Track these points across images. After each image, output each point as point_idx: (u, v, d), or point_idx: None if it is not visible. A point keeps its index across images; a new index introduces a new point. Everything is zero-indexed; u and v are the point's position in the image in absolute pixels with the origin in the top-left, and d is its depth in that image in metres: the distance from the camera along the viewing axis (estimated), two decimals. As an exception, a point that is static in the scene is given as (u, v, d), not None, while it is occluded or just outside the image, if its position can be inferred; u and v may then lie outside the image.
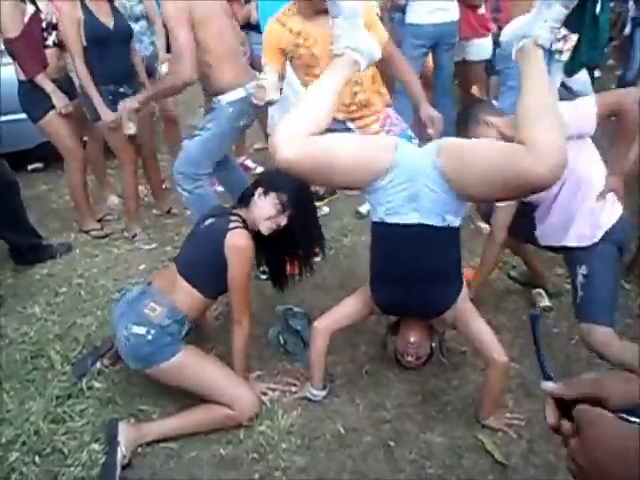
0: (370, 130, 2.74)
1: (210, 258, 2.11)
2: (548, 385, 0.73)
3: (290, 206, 2.13)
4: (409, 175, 1.79)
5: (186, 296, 2.14)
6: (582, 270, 2.20)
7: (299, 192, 2.14)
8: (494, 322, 2.58)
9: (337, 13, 1.78)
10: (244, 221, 2.14)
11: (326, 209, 3.79)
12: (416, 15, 3.96)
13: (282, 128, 1.70)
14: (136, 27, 3.72)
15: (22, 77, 3.26)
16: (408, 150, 1.87)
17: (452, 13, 3.97)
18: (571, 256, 2.29)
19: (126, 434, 2.01)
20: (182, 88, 2.75)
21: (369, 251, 2.05)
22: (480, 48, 4.35)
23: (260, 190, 2.15)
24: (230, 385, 2.11)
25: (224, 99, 2.79)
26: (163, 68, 3.80)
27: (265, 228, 2.14)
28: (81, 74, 3.12)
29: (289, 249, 2.31)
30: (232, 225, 2.10)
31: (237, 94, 2.79)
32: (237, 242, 2.07)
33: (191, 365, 2.10)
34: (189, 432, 2.10)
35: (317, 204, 3.79)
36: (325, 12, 2.17)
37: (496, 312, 2.74)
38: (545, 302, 2.78)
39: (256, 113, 2.98)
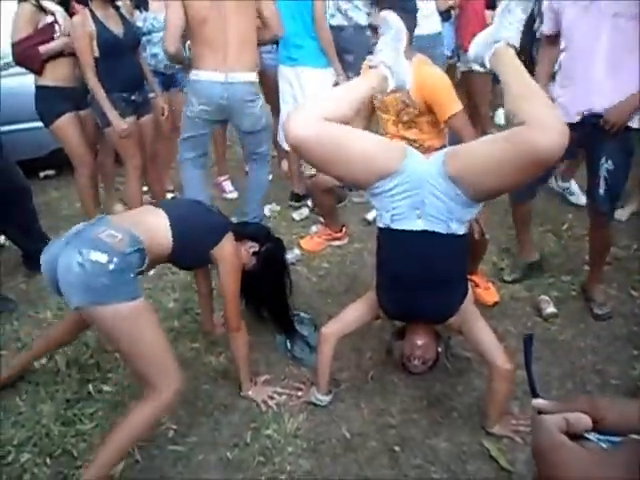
0: None
1: (200, 236, 2.08)
2: (539, 402, 0.70)
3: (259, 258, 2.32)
4: (415, 182, 1.82)
5: (155, 235, 1.93)
6: (608, 165, 2.47)
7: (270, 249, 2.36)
8: (500, 328, 2.60)
9: (386, 31, 1.87)
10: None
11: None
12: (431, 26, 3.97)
13: (300, 108, 1.77)
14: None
15: (38, 82, 3.34)
16: (417, 158, 1.89)
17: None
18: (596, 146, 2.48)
19: None
20: (169, 58, 3.04)
21: (375, 257, 2.08)
22: None
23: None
24: (164, 356, 1.85)
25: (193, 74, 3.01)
26: None
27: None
28: (92, 84, 3.18)
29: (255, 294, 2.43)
30: (231, 236, 2.16)
31: (208, 75, 2.96)
32: (231, 246, 2.13)
33: (142, 321, 1.79)
34: (128, 446, 1.85)
35: (296, 205, 3.90)
36: None
37: (502, 318, 2.76)
38: (551, 309, 2.78)
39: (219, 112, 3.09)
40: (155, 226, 1.96)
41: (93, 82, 3.18)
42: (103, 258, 1.71)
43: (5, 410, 2.26)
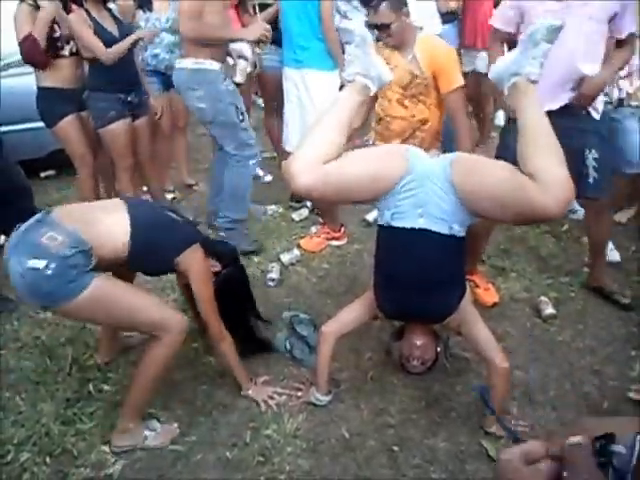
0: None
1: (162, 243, 2.02)
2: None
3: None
4: (420, 181, 1.83)
5: (108, 237, 1.89)
6: (593, 154, 2.54)
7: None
8: (498, 329, 2.61)
9: (349, 40, 1.86)
10: None
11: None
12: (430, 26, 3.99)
13: (296, 157, 1.78)
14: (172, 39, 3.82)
15: (40, 83, 3.34)
16: (421, 158, 1.91)
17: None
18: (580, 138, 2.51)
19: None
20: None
21: (374, 256, 2.09)
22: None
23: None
24: (152, 306, 1.95)
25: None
26: None
27: None
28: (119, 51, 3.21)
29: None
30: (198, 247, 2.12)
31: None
32: (197, 257, 2.09)
33: (106, 297, 1.83)
34: (151, 387, 2.03)
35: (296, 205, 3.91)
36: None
37: (501, 319, 2.77)
38: (549, 310, 2.79)
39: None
40: (110, 228, 1.91)
41: (111, 53, 3.18)
42: (41, 264, 1.73)
43: (5, 409, 2.27)
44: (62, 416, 2.23)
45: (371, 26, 2.66)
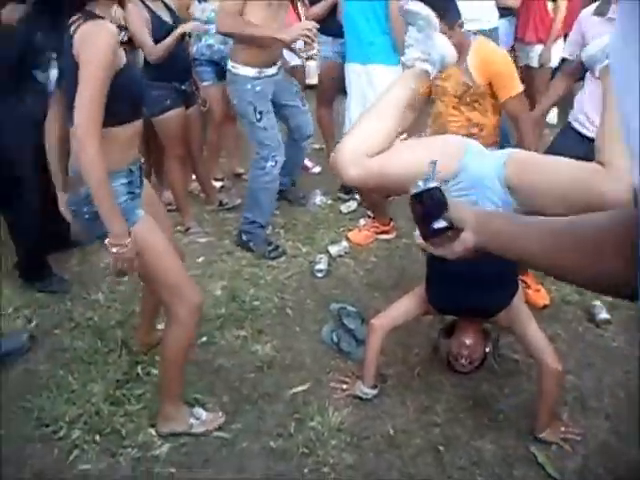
0: None
1: None
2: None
3: None
4: (472, 181, 1.78)
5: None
6: None
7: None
8: (549, 332, 2.53)
9: (412, 22, 1.79)
10: None
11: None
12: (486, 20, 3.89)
13: (344, 148, 1.74)
14: None
15: None
16: (476, 155, 1.84)
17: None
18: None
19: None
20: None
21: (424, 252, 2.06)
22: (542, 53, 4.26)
23: None
24: (174, 269, 1.94)
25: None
26: None
27: None
28: (158, 51, 3.20)
29: None
30: None
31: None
32: None
33: (142, 241, 1.82)
34: (177, 372, 2.05)
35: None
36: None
37: (551, 321, 2.69)
38: (604, 315, 2.70)
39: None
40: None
41: (157, 50, 3.19)
42: None
43: (58, 387, 2.33)
44: (112, 397, 2.28)
45: None
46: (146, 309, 2.48)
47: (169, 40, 3.20)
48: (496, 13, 3.90)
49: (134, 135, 1.89)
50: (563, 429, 2.10)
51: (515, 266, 2.02)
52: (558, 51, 4.10)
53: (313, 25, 3.00)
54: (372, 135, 1.75)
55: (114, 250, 1.73)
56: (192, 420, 2.13)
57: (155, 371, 2.42)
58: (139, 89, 1.94)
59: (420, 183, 1.02)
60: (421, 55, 1.79)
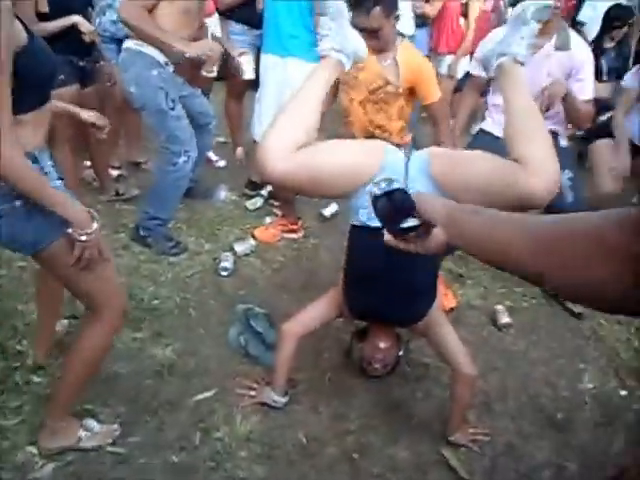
0: None
1: None
2: None
3: None
4: (399, 180, 1.72)
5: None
6: (567, 174, 2.58)
7: None
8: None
9: (323, 12, 1.77)
10: None
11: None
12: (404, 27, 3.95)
13: (270, 142, 1.67)
14: None
15: None
16: (397, 154, 1.81)
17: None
18: None
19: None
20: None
21: (344, 254, 1.98)
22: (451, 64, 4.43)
23: None
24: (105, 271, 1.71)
25: None
26: None
27: None
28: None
29: None
30: None
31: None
32: None
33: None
34: (85, 378, 1.81)
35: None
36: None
37: (458, 326, 2.70)
38: (506, 319, 2.79)
39: None
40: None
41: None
42: None
43: None
44: (-18, 410, 1.97)
45: (359, 29, 2.55)
46: (45, 312, 2.20)
47: (58, 23, 2.94)
48: (412, 23, 4.01)
49: (41, 122, 1.60)
50: (471, 431, 2.11)
51: (437, 274, 2.00)
52: (465, 65, 4.28)
53: (219, 49, 2.94)
54: (298, 127, 1.69)
55: (83, 238, 1.52)
56: (82, 433, 1.88)
57: (37, 379, 2.14)
58: (45, 70, 1.59)
59: (383, 184, 1.01)
60: (335, 45, 1.77)
